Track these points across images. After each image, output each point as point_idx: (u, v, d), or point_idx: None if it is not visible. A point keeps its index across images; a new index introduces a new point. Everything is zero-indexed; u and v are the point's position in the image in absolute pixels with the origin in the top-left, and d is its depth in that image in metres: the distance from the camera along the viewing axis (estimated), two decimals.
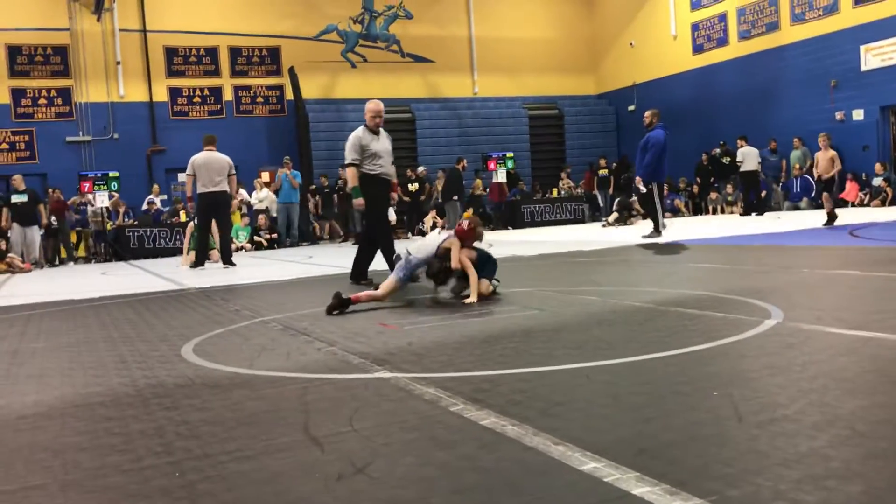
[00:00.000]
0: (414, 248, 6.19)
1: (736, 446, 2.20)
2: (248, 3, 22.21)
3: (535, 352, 3.80)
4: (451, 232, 6.18)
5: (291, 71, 22.00)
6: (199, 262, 11.43)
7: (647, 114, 12.63)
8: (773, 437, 2.24)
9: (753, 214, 17.84)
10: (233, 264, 11.43)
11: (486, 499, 1.94)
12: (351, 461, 2.27)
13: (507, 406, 2.75)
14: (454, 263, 5.87)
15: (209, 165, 11.07)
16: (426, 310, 5.64)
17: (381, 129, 7.86)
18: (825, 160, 12.85)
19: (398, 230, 19.06)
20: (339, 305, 5.64)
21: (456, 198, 17.95)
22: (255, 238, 17.87)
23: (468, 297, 5.77)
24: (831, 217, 12.22)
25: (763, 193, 19.44)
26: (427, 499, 1.97)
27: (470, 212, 19.64)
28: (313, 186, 19.97)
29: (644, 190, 12.18)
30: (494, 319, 4.93)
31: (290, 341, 4.56)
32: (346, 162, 7.73)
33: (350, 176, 7.70)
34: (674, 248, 10.23)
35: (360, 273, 7.86)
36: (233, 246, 14.33)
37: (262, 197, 18.87)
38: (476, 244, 6.22)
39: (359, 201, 7.70)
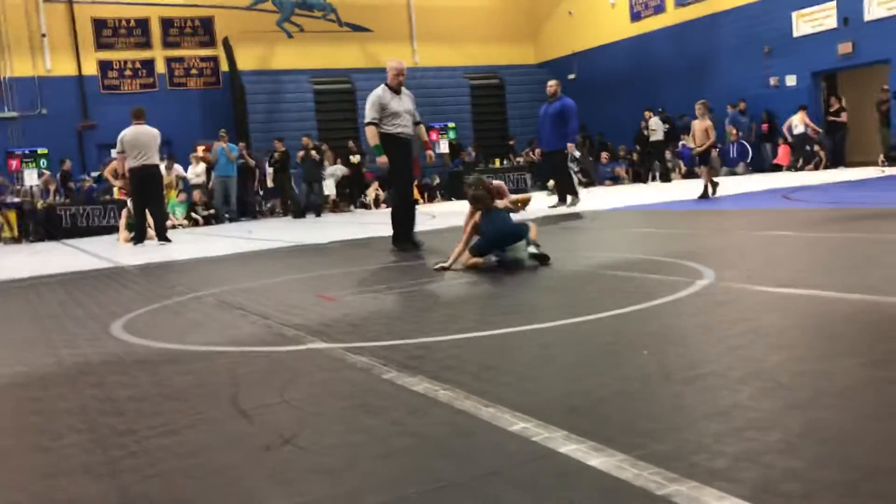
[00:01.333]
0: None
1: (662, 402, 2.23)
2: None
3: (472, 318, 3.79)
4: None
5: (226, 42, 21.46)
6: (139, 239, 11.15)
7: (553, 83, 12.42)
8: (698, 393, 2.27)
9: (656, 181, 18.98)
10: (168, 240, 11.18)
11: (413, 462, 1.93)
12: (279, 432, 2.23)
13: (439, 371, 2.73)
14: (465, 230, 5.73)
15: (137, 139, 10.80)
16: (366, 280, 5.59)
17: (404, 89, 7.73)
18: (700, 130, 11.69)
19: (341, 204, 18.89)
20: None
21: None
22: (192, 214, 17.50)
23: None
24: (706, 190, 11.44)
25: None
26: (353, 465, 1.94)
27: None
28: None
29: (578, 155, 12.18)
30: (433, 288, 4.92)
31: (224, 316, 4.47)
32: (366, 121, 7.56)
33: (370, 135, 7.56)
34: (612, 214, 10.34)
35: (401, 236, 7.69)
36: (169, 223, 14.03)
37: (199, 172, 18.44)
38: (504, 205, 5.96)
39: (381, 159, 7.55)
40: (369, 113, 7.50)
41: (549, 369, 2.70)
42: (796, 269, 4.49)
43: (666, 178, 19.18)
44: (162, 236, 11.19)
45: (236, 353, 3.38)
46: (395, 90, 7.61)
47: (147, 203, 11.22)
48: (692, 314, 3.41)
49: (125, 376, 3.13)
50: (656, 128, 19.08)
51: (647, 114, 19.55)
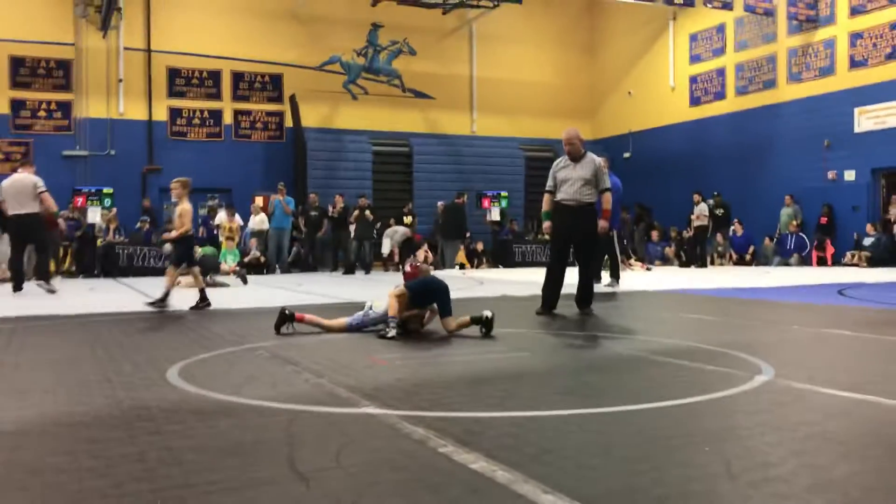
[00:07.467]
0: (377, 304, 6.27)
1: None
2: (253, 31, 22.35)
3: (526, 395, 3.76)
4: (401, 283, 6.24)
5: (292, 98, 22.12)
6: (17, 286, 10.86)
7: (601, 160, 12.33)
8: (765, 499, 2.21)
9: (694, 266, 18.73)
10: (21, 289, 10.80)
11: None
12: (337, 499, 2.23)
13: (496, 450, 2.71)
14: (391, 311, 5.96)
15: (14, 188, 10.93)
16: (417, 346, 5.60)
17: (591, 155, 7.82)
18: (176, 215, 8.78)
19: (389, 263, 19.02)
20: (284, 321, 6.16)
21: (468, 235, 18.07)
22: (243, 262, 17.74)
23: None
24: (164, 296, 8.31)
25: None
26: None
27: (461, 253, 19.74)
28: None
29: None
30: (484, 360, 4.90)
31: (278, 370, 4.51)
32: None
33: (543, 202, 7.94)
34: (664, 296, 10.23)
35: (544, 302, 7.81)
36: (223, 267, 14.28)
37: (261, 220, 18.71)
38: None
39: (544, 225, 7.96)
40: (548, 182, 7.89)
41: (608, 458, 2.66)
42: (858, 372, 4.38)
43: (702, 264, 18.87)
44: (43, 279, 10.95)
45: (291, 411, 3.39)
46: (572, 158, 7.71)
47: (28, 249, 11.60)
48: (753, 412, 3.34)
49: (182, 426, 3.17)
50: (699, 213, 18.90)
51: (695, 197, 19.32)
